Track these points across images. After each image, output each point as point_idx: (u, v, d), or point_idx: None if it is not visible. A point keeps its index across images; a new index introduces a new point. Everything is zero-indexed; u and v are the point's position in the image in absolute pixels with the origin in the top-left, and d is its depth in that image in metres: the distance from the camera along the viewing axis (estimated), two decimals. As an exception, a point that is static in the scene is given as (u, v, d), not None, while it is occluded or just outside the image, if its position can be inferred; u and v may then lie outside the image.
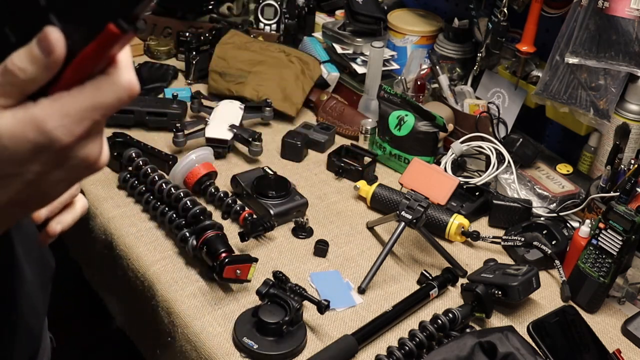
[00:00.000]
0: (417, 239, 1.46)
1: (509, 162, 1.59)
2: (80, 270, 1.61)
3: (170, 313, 1.27)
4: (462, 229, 1.45)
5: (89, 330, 2.03)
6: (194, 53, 1.92)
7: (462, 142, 1.66)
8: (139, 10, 0.46)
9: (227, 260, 1.24)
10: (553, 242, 1.45)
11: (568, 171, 1.64)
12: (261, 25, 2.12)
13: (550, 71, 1.54)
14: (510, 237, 1.45)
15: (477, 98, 1.80)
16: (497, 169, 1.60)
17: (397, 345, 1.18)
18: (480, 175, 1.61)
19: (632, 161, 1.39)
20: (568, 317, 1.27)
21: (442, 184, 1.41)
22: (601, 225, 1.29)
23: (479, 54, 1.76)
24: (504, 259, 1.45)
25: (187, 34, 1.96)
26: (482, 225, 1.55)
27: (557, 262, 1.40)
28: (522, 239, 1.44)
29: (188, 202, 1.38)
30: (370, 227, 1.50)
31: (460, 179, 1.54)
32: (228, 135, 1.65)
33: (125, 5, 0.45)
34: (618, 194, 1.38)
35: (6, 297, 0.81)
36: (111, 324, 1.52)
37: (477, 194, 1.58)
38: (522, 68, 1.69)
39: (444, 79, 1.79)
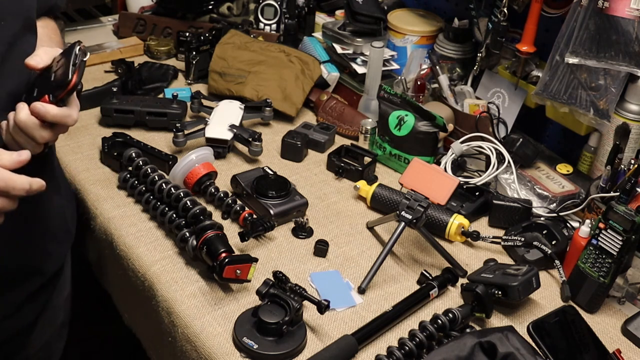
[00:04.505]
0: (417, 239, 1.46)
1: (509, 162, 1.59)
2: (90, 267, 1.61)
3: (171, 313, 1.27)
4: (462, 229, 1.45)
5: (102, 325, 2.02)
6: (194, 53, 1.92)
7: (462, 142, 1.66)
8: (58, 97, 0.99)
9: (227, 260, 1.24)
10: (553, 242, 1.45)
11: (568, 171, 1.64)
12: (261, 25, 2.12)
13: (550, 71, 1.54)
14: (510, 237, 1.45)
15: (477, 98, 1.80)
16: (497, 169, 1.60)
17: (397, 345, 1.18)
18: (480, 175, 1.61)
19: (632, 161, 1.39)
20: (568, 317, 1.26)
21: (442, 184, 1.41)
22: (601, 225, 1.29)
23: (479, 54, 1.76)
24: (504, 259, 1.45)
25: (187, 34, 1.96)
26: (482, 225, 1.55)
27: (557, 262, 1.40)
28: (522, 239, 1.44)
29: (188, 202, 1.38)
30: (370, 227, 1.50)
31: (460, 179, 1.54)
32: (228, 135, 1.65)
33: (55, 90, 0.99)
34: (618, 194, 1.38)
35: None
36: (118, 322, 1.52)
37: (477, 194, 1.58)
38: (522, 68, 1.69)
39: (444, 79, 1.79)
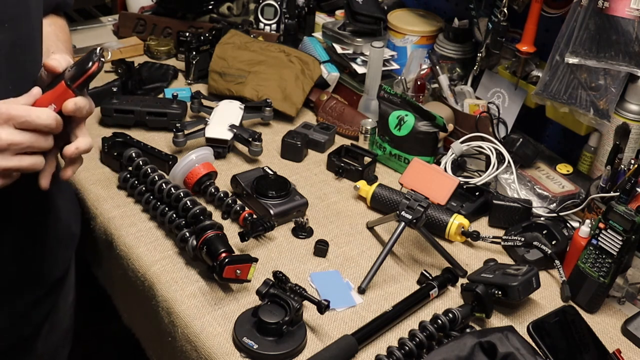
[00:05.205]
0: (417, 239, 1.46)
1: (509, 162, 1.59)
2: (89, 267, 1.61)
3: (170, 313, 1.27)
4: (462, 229, 1.45)
5: (102, 325, 2.02)
6: (194, 53, 1.92)
7: (462, 142, 1.66)
8: (76, 82, 0.96)
9: (227, 260, 1.24)
10: (553, 242, 1.45)
11: (568, 171, 1.64)
12: (261, 25, 2.12)
13: (550, 71, 1.54)
14: (510, 237, 1.45)
15: (477, 98, 1.80)
16: (497, 169, 1.60)
17: (397, 345, 1.18)
18: (480, 175, 1.61)
19: (632, 161, 1.39)
20: (568, 317, 1.26)
21: (442, 184, 1.41)
22: (601, 225, 1.29)
23: (479, 54, 1.76)
24: (504, 259, 1.45)
25: (187, 34, 1.96)
26: (482, 225, 1.55)
27: (557, 262, 1.40)
28: (522, 239, 1.44)
29: (188, 202, 1.38)
30: (370, 227, 1.50)
31: (460, 179, 1.54)
32: (228, 135, 1.65)
33: (72, 78, 0.96)
34: (618, 194, 1.38)
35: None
36: (118, 322, 1.52)
37: (477, 194, 1.58)
38: (522, 68, 1.69)
39: (444, 79, 1.79)
